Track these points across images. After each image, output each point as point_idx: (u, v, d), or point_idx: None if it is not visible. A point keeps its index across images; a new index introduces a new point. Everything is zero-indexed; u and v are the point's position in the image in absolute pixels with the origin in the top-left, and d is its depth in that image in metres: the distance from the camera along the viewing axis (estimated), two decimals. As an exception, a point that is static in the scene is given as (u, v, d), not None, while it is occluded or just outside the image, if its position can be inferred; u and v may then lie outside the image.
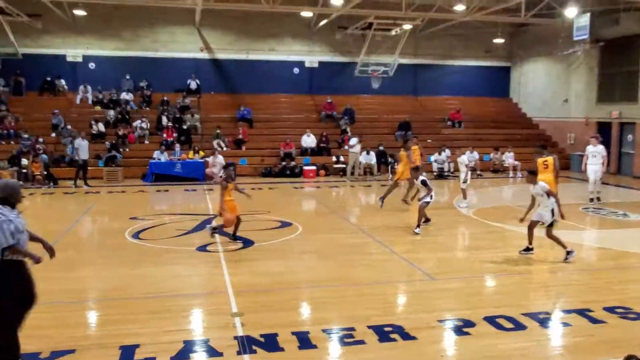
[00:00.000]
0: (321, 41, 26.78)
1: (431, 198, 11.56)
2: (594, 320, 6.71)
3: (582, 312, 6.96)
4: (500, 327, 6.49)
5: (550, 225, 9.22)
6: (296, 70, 26.87)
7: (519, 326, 6.50)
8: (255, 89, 26.14)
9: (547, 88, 26.94)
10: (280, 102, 26.81)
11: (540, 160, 13.78)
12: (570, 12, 20.52)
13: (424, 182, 11.51)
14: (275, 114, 25.71)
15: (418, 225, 11.33)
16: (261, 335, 6.19)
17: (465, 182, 14.91)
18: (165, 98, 24.17)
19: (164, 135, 22.18)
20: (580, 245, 10.58)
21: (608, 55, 23.08)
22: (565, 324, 6.71)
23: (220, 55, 25.97)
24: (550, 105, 26.68)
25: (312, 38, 26.66)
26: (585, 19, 20.47)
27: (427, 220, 12.05)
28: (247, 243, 10.67)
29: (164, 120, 23.02)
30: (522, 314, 6.84)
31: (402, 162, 15.29)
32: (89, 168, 19.20)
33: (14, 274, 5.31)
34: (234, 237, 10.68)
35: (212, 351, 5.85)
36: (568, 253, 9.20)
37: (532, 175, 9.50)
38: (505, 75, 29.65)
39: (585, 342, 6.14)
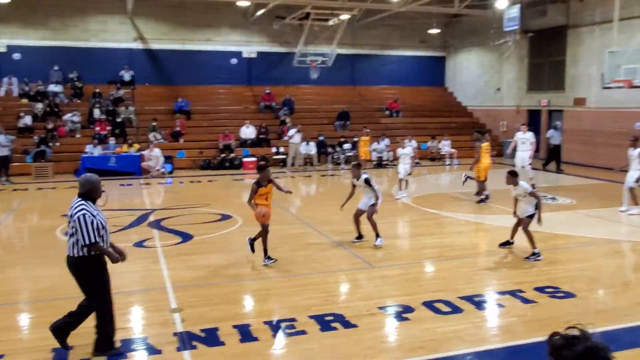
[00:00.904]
0: (259, 31, 26.51)
1: (377, 200, 9.78)
2: (526, 301, 6.99)
3: (514, 293, 7.24)
4: (438, 311, 6.66)
5: (531, 217, 8.85)
6: (234, 60, 26.49)
7: (455, 309, 6.69)
8: (193, 80, 25.60)
9: (481, 77, 27.75)
10: (218, 93, 26.39)
11: (484, 145, 14.28)
12: (501, 3, 21.17)
13: (367, 181, 9.75)
14: (213, 106, 25.30)
15: (377, 235, 9.69)
16: (201, 330, 6.10)
17: (409, 173, 14.88)
18: (97, 90, 23.28)
19: (97, 128, 21.40)
20: (510, 228, 10.95)
21: (537, 46, 23.98)
22: (500, 305, 6.96)
23: (155, 46, 25.24)
24: (484, 94, 27.51)
25: (250, 28, 26.35)
26: (515, 10, 21.14)
27: (360, 236, 10.03)
28: (186, 237, 10.48)
29: (97, 113, 22.21)
30: (459, 298, 7.05)
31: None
32: (13, 164, 18.30)
33: (99, 268, 5.48)
34: (253, 243, 8.97)
35: (151, 349, 5.72)
36: (534, 254, 8.80)
37: (512, 176, 8.89)
38: (441, 64, 30.32)
39: (518, 322, 6.39)
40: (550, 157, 20.31)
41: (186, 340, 5.87)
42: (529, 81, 24.63)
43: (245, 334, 6.04)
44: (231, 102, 25.82)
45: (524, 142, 16.03)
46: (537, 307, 6.81)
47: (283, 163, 22.11)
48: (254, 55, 26.71)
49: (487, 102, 27.26)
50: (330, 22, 24.76)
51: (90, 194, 5.45)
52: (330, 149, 22.92)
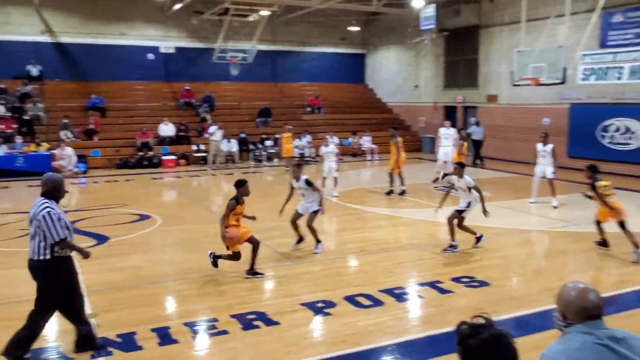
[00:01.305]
0: (177, 26, 25.81)
1: (321, 205, 9.15)
2: (443, 291, 7.21)
3: (433, 285, 7.45)
4: (359, 305, 6.73)
5: (460, 212, 9.17)
6: (151, 56, 25.63)
7: (376, 303, 6.80)
8: (108, 76, 24.53)
9: (399, 74, 28.42)
10: (135, 89, 25.45)
11: (400, 140, 14.66)
12: (418, 2, 21.74)
13: (308, 182, 9.00)
14: (130, 102, 24.38)
15: (318, 241, 9.16)
16: (118, 335, 5.87)
17: (336, 170, 14.66)
18: (1, 86, 21.84)
19: (2, 126, 20.09)
20: (431, 222, 11.30)
21: (452, 44, 24.85)
22: (419, 297, 7.14)
23: (65, 39, 23.95)
24: (403, 90, 28.20)
25: (167, 23, 25.59)
26: (431, 10, 21.76)
27: (300, 239, 9.38)
28: (101, 239, 10.04)
29: (1, 110, 20.83)
30: (379, 291, 7.16)
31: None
32: None
33: (65, 271, 5.30)
34: (252, 272, 7.83)
35: (63, 357, 5.44)
36: (452, 246, 9.14)
37: (461, 167, 9.24)
38: (361, 62, 30.77)
39: (436, 312, 6.58)
40: (476, 152, 21.01)
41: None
42: (445, 79, 25.48)
43: (165, 336, 5.86)
44: (149, 99, 25.00)
45: (447, 137, 16.62)
46: (454, 296, 7.04)
47: (204, 161, 21.68)
48: (172, 51, 25.97)
49: (405, 98, 27.96)
50: (250, 18, 24.51)
51: (53, 192, 5.30)
52: (252, 146, 22.73)
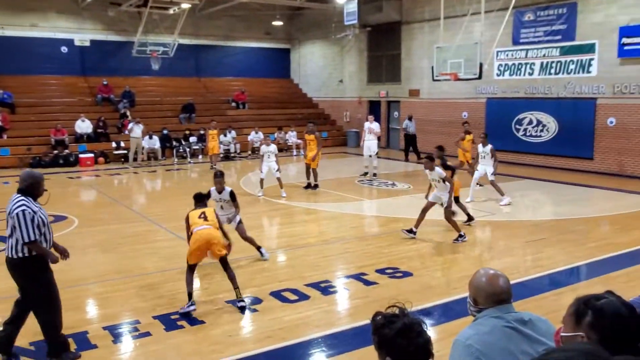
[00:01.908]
0: (92, 18, 24.69)
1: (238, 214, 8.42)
2: (368, 283, 7.31)
3: (358, 277, 7.54)
4: (285, 299, 6.71)
5: (449, 207, 9.31)
6: (64, 49, 24.37)
7: (302, 297, 6.79)
8: (16, 70, 23.09)
9: (324, 69, 28.59)
10: (48, 84, 24.15)
11: (318, 134, 14.75)
12: (341, -2, 21.93)
13: (232, 196, 8.31)
14: (42, 98, 23.09)
15: (259, 247, 8.50)
16: (31, 344, 5.55)
17: (277, 169, 13.87)
18: None
19: None
20: (355, 215, 11.44)
21: (375, 40, 25.25)
22: (345, 289, 7.20)
23: (-32, 30, 22.41)
24: (328, 85, 28.39)
25: (82, 14, 24.42)
26: (354, 5, 22.01)
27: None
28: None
29: None
30: (305, 285, 7.17)
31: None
32: None
33: (39, 270, 5.07)
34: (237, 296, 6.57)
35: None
36: (460, 236, 9.31)
37: (430, 161, 9.33)
38: (286, 56, 30.70)
39: (362, 303, 6.65)
40: (407, 146, 21.36)
41: (13, 356, 5.28)
42: (368, 73, 25.87)
43: (82, 341, 5.61)
44: (63, 94, 23.80)
45: (371, 131, 16.79)
46: (379, 287, 7.15)
47: (125, 159, 20.93)
48: (87, 44, 24.81)
49: (331, 93, 28.18)
50: (171, 11, 23.83)
51: (31, 189, 5.05)
52: (175, 143, 22.17)
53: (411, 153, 21.12)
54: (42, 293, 5.10)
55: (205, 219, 6.59)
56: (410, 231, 9.49)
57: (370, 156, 16.54)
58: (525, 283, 7.19)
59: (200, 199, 7.12)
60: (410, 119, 21.31)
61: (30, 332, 5.78)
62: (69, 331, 5.80)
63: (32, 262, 5.01)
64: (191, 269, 6.47)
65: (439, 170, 9.37)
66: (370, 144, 16.56)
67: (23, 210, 4.90)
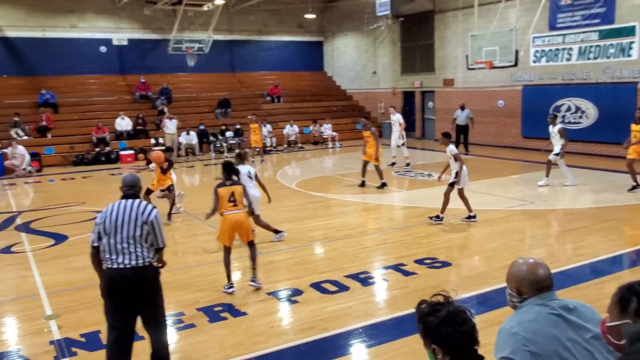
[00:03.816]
0: (129, 17, 25.20)
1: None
2: (407, 273, 7.35)
3: (396, 267, 7.58)
4: (325, 291, 6.80)
5: (452, 185, 9.72)
6: (103, 48, 24.96)
7: (342, 288, 6.88)
8: (58, 71, 23.80)
9: (357, 61, 28.51)
10: (88, 83, 24.79)
11: (374, 130, 14.59)
12: (372, -12, 21.82)
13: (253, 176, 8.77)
14: (83, 97, 23.75)
15: (276, 231, 9.10)
16: (81, 335, 5.78)
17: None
18: (-54, 84, 21.02)
19: (-51, 126, 19.36)
20: (392, 206, 11.46)
21: (408, 30, 25.05)
22: (384, 280, 7.25)
23: (10, 33, 23.07)
24: (361, 77, 28.32)
25: (119, 14, 24.96)
26: (386, -4, 21.89)
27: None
28: (60, 238, 9.82)
29: (-52, 109, 20.07)
30: (345, 276, 7.25)
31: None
32: None
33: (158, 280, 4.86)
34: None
35: (24, 360, 5.32)
36: (469, 217, 9.76)
37: (445, 137, 9.84)
38: (319, 49, 30.72)
39: (401, 294, 6.70)
40: (458, 137, 20.90)
41: (65, 347, 5.52)
42: (402, 64, 25.69)
43: (130, 333, 5.79)
44: (103, 93, 24.41)
45: (394, 123, 16.88)
46: (418, 278, 7.18)
47: (163, 154, 21.32)
48: (125, 43, 25.36)
49: (364, 85, 28.11)
50: (205, 8, 24.12)
51: (139, 193, 4.92)
52: (212, 138, 22.50)
53: (461, 145, 20.76)
54: (163, 297, 4.88)
55: (235, 203, 6.75)
56: (437, 217, 9.71)
57: (398, 147, 16.80)
58: (566, 272, 7.11)
59: (230, 171, 6.98)
60: (462, 108, 20.58)
61: (82, 323, 6.04)
62: (118, 323, 6.02)
63: (157, 269, 4.83)
64: (227, 251, 6.81)
65: (451, 147, 9.69)
66: (395, 135, 16.82)
67: (157, 216, 4.72)
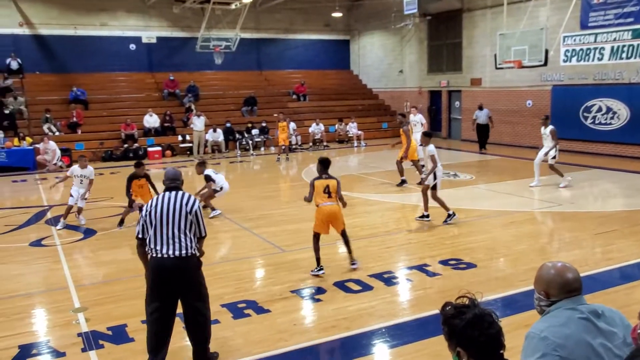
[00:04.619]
0: (158, 15, 25.53)
1: None
2: (431, 274, 7.30)
3: (420, 268, 7.53)
4: (349, 290, 6.80)
5: (434, 188, 9.77)
6: (132, 46, 25.34)
7: (366, 287, 6.86)
8: (89, 68, 24.24)
9: (384, 60, 28.39)
10: (117, 80, 25.19)
11: (407, 129, 14.55)
12: (400, -13, 21.69)
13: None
14: (113, 94, 24.14)
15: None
16: (108, 328, 5.88)
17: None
18: (-19, 80, 21.52)
19: (-16, 121, 19.84)
20: (416, 206, 11.37)
21: (435, 29, 24.85)
22: (408, 280, 7.22)
23: (44, 31, 23.58)
24: (388, 76, 28.20)
25: (148, 12, 25.30)
26: (413, -6, 21.74)
27: None
28: (89, 233, 10.00)
29: (-18, 105, 20.57)
30: (368, 276, 7.23)
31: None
32: None
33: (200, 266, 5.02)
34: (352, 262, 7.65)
35: (53, 352, 5.44)
36: (449, 216, 9.77)
37: (426, 137, 9.93)
38: (345, 48, 30.68)
39: (424, 294, 6.66)
40: (479, 136, 20.83)
41: (92, 339, 5.63)
42: (429, 63, 25.50)
43: (156, 328, 5.87)
44: (132, 90, 24.77)
45: (415, 124, 16.67)
46: (442, 279, 7.12)
47: (190, 151, 21.59)
48: (153, 41, 25.69)
49: (390, 84, 27.98)
50: (233, 6, 24.30)
51: (181, 186, 5.12)
52: (238, 136, 22.65)
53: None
54: (206, 286, 5.07)
55: (329, 195, 7.34)
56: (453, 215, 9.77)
57: (420, 146, 16.58)
58: (595, 276, 6.98)
59: (326, 165, 7.49)
60: (481, 108, 20.65)
61: (109, 316, 6.15)
62: (143, 317, 6.08)
63: (199, 259, 4.99)
64: (316, 237, 7.48)
65: (430, 147, 9.64)
66: (416, 136, 16.47)
67: (200, 206, 4.96)
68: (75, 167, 11.10)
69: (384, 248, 8.68)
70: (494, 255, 8.22)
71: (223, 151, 21.93)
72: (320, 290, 6.79)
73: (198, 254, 4.94)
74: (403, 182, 13.83)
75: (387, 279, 7.15)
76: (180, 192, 4.95)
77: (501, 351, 2.10)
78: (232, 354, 5.33)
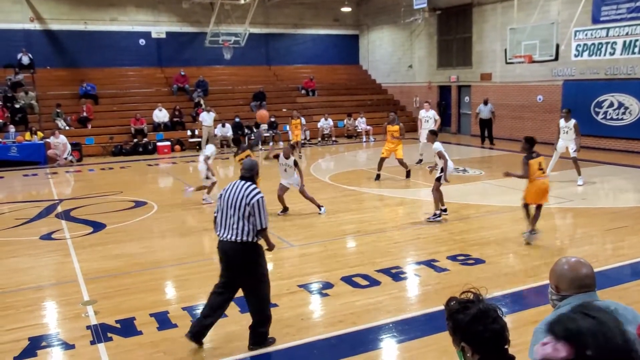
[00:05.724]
0: (167, 10, 25.58)
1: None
2: (439, 269, 7.27)
3: (429, 263, 7.51)
4: (356, 285, 6.79)
5: (438, 180, 9.66)
6: (142, 41, 25.41)
7: (373, 282, 6.85)
8: (99, 63, 24.34)
9: (393, 55, 28.28)
10: (127, 75, 25.28)
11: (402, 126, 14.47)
12: (409, -19, 21.58)
13: (295, 163, 10.65)
14: (122, 89, 24.23)
15: (319, 207, 10.69)
16: (117, 321, 5.91)
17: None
18: (-7, 75, 21.67)
19: (-5, 116, 19.99)
20: (425, 201, 11.33)
21: (445, 23, 24.69)
22: (415, 275, 7.20)
23: (54, 26, 23.70)
24: (397, 71, 28.08)
25: (158, 7, 25.35)
26: (423, -12, 21.67)
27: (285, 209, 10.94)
28: (98, 227, 10.05)
29: (-6, 99, 20.71)
30: (376, 271, 7.22)
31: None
32: None
33: (261, 255, 5.33)
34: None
35: (62, 344, 5.48)
36: (435, 215, 9.65)
37: (432, 135, 9.87)
38: (354, 43, 30.58)
39: (432, 290, 6.64)
40: (482, 131, 20.80)
41: (101, 332, 5.67)
42: (438, 58, 25.36)
43: (164, 321, 5.91)
44: (142, 85, 24.84)
45: (427, 120, 16.50)
46: (450, 274, 7.10)
47: (199, 146, 21.63)
48: (163, 36, 25.74)
49: (400, 79, 27.86)
50: (242, 1, 24.25)
51: (255, 178, 5.41)
52: (247, 130, 22.66)
53: (486, 138, 20.54)
54: (265, 273, 5.35)
55: (543, 171, 8.17)
56: (438, 215, 9.64)
57: (426, 144, 16.38)
58: (606, 272, 6.94)
59: (533, 144, 8.17)
60: (485, 103, 20.60)
61: (118, 309, 6.19)
62: (152, 310, 6.16)
63: (258, 247, 5.27)
64: (526, 207, 8.29)
65: (436, 144, 9.58)
66: (424, 131, 16.34)
67: (262, 197, 5.18)
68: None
69: (392, 243, 8.66)
70: (503, 251, 8.18)
71: (232, 146, 21.92)
72: (327, 285, 6.79)
73: (256, 241, 5.21)
74: (408, 173, 13.89)
75: (395, 274, 7.14)
76: (247, 183, 5.25)
77: (506, 347, 2.08)
78: (240, 348, 5.34)
